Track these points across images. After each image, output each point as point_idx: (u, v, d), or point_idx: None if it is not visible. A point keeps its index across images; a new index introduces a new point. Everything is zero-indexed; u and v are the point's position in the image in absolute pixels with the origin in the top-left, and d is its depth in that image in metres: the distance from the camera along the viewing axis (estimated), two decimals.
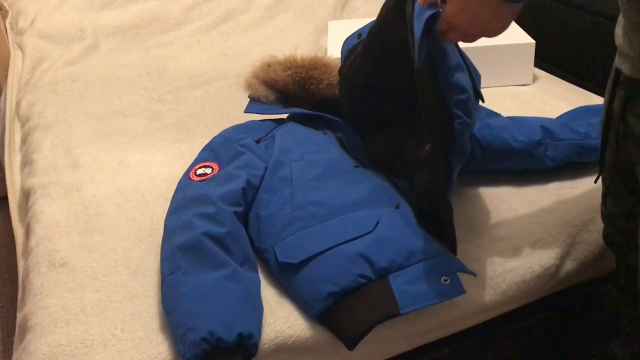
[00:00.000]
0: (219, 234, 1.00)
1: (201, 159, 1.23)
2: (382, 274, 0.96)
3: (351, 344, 0.92)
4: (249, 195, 1.11)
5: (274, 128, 1.31)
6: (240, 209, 1.07)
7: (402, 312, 0.92)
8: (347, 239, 0.99)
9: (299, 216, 1.05)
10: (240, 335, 0.86)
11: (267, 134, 1.29)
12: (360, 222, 1.02)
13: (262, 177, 1.15)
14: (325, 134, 1.29)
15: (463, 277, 1.03)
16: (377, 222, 1.02)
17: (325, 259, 0.98)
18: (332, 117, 1.32)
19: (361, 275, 0.95)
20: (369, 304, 0.93)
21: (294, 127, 1.29)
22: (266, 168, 1.17)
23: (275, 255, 1.02)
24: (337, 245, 0.99)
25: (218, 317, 0.88)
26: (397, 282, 0.95)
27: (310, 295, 0.96)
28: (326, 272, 0.96)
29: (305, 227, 1.03)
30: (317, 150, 1.20)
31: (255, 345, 0.89)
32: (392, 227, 1.01)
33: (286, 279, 1.01)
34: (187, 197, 1.10)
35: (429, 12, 0.84)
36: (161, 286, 0.97)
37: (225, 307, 0.90)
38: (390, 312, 0.92)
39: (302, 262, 0.98)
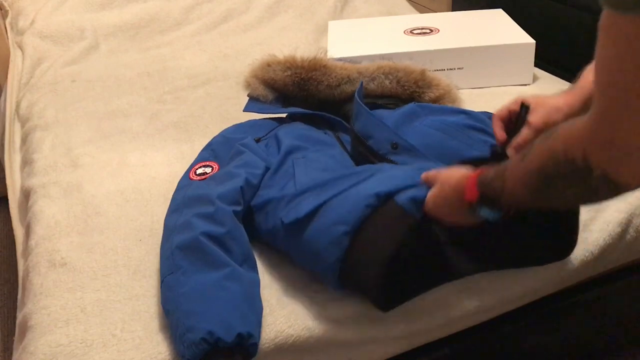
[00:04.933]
0: (218, 233, 0.99)
1: (201, 158, 1.23)
2: (387, 199, 0.95)
3: (380, 276, 0.91)
4: (247, 194, 1.11)
5: (275, 127, 1.30)
6: (239, 208, 1.07)
7: (417, 217, 0.91)
8: (348, 186, 1.00)
9: (303, 189, 1.05)
10: (239, 335, 0.86)
11: (267, 133, 1.28)
12: (361, 172, 1.04)
13: (262, 176, 1.15)
14: (326, 133, 1.29)
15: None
16: (377, 170, 1.03)
17: (331, 206, 0.98)
18: (333, 116, 1.31)
19: (367, 205, 0.94)
20: (383, 228, 0.93)
21: (297, 125, 1.29)
22: (266, 168, 1.16)
23: (282, 222, 1.02)
24: (339, 193, 0.99)
25: (217, 317, 0.87)
26: (402, 197, 0.94)
27: (324, 243, 0.95)
28: (334, 216, 0.96)
29: (311, 195, 1.03)
30: (320, 149, 1.20)
31: (255, 345, 0.89)
32: (394, 169, 1.02)
33: (296, 241, 1.00)
34: (186, 196, 1.10)
35: (418, 194, 0.94)
36: (161, 286, 0.97)
37: (224, 307, 0.89)
38: (406, 222, 0.91)
39: (308, 214, 0.98)
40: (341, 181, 1.03)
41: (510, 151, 1.00)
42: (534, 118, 1.01)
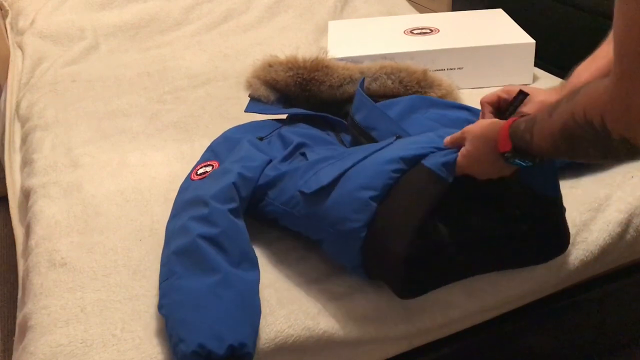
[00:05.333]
0: (213, 235, 0.99)
1: (203, 160, 1.23)
2: (414, 163, 0.95)
3: (407, 243, 0.89)
4: (242, 189, 1.09)
5: (278, 128, 1.30)
6: (234, 205, 1.06)
7: (449, 180, 0.91)
8: (368, 154, 1.00)
9: (319, 159, 1.05)
10: (231, 347, 0.85)
11: (269, 133, 1.28)
12: (378, 145, 1.04)
13: (260, 168, 1.13)
14: (328, 134, 1.29)
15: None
16: (397, 136, 1.04)
17: (355, 172, 0.97)
18: (334, 117, 1.31)
19: (395, 171, 0.94)
20: (413, 192, 0.92)
21: (300, 125, 1.29)
22: (269, 161, 1.15)
23: (302, 193, 1.01)
24: (362, 160, 0.99)
25: (208, 328, 0.87)
26: (430, 161, 0.94)
27: (350, 209, 0.94)
28: (360, 181, 0.95)
29: (327, 165, 1.03)
30: (325, 147, 1.20)
31: (249, 354, 0.88)
32: (414, 136, 1.03)
33: (317, 210, 0.99)
34: (185, 200, 1.10)
35: (449, 157, 0.93)
36: (158, 292, 0.97)
37: (216, 317, 0.88)
38: (438, 186, 0.91)
39: (332, 181, 0.98)
40: (359, 152, 1.03)
41: None
42: (525, 111, 1.01)
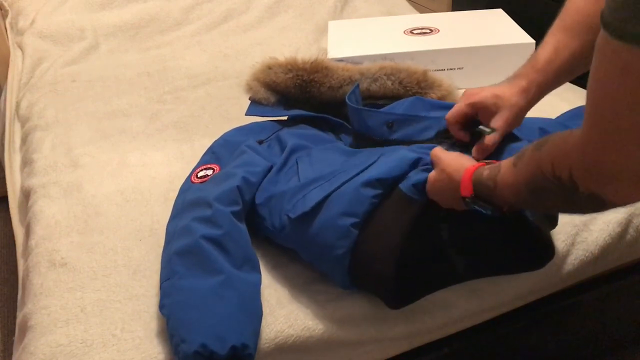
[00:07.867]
0: (216, 236, 0.99)
1: (203, 162, 1.23)
2: (393, 187, 0.96)
3: (391, 269, 0.92)
4: (246, 193, 1.09)
5: (278, 130, 1.30)
6: (237, 208, 1.06)
7: (420, 200, 0.92)
8: (353, 175, 1.00)
9: (308, 181, 1.05)
10: (233, 347, 0.85)
11: (269, 136, 1.28)
12: (364, 159, 1.04)
13: (262, 174, 1.14)
14: (328, 135, 1.29)
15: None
16: (381, 155, 1.04)
17: (336, 197, 0.98)
18: (335, 119, 1.31)
19: (375, 196, 0.95)
20: (390, 219, 0.94)
21: (299, 126, 1.29)
22: (269, 166, 1.16)
23: (289, 218, 1.02)
24: (344, 183, 0.99)
25: (211, 328, 0.87)
26: (405, 184, 0.95)
27: (332, 235, 0.95)
28: (341, 207, 0.96)
29: (315, 188, 1.03)
30: (324, 147, 1.20)
31: (251, 356, 0.88)
32: (394, 152, 1.03)
33: (303, 235, 1.00)
34: (186, 201, 1.10)
35: (419, 178, 0.94)
36: (159, 293, 0.97)
37: (218, 318, 0.89)
38: (412, 209, 0.92)
39: (314, 207, 0.99)
40: (346, 173, 1.03)
41: (474, 153, 1.01)
42: (499, 122, 1.01)
